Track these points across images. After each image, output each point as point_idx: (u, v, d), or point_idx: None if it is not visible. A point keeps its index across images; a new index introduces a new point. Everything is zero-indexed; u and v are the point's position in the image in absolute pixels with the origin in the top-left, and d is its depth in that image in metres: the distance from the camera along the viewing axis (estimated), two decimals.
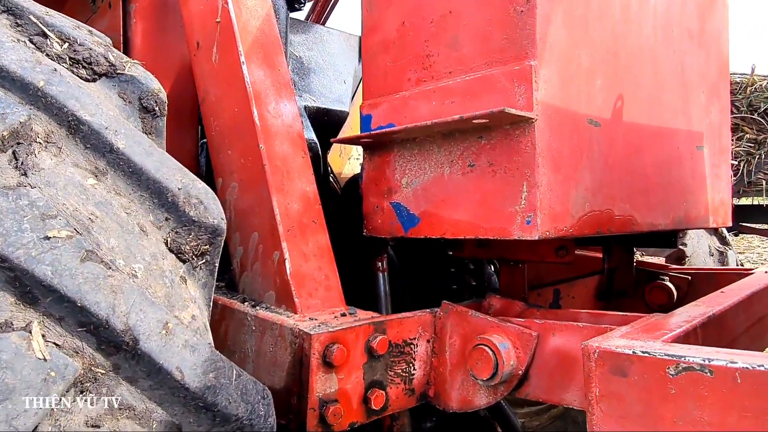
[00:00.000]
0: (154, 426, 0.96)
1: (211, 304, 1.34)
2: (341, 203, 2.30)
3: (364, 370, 1.43)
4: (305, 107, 2.20)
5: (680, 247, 3.16)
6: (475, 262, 2.37)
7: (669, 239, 2.27)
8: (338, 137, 2.36)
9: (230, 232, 1.69)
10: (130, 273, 1.04)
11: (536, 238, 1.32)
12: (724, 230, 3.43)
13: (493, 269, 2.39)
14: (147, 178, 1.17)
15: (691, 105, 2.14)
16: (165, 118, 1.45)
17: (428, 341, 1.58)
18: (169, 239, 1.19)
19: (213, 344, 1.23)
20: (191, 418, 1.02)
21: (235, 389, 1.06)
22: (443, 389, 1.57)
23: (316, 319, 1.41)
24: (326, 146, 2.39)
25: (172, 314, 1.02)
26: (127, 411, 0.93)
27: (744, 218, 9.12)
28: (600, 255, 2.52)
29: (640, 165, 1.77)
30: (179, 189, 1.20)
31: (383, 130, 1.52)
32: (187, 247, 1.22)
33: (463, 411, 1.54)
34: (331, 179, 2.47)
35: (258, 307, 1.51)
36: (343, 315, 1.47)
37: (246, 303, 1.54)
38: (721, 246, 3.39)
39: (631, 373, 1.05)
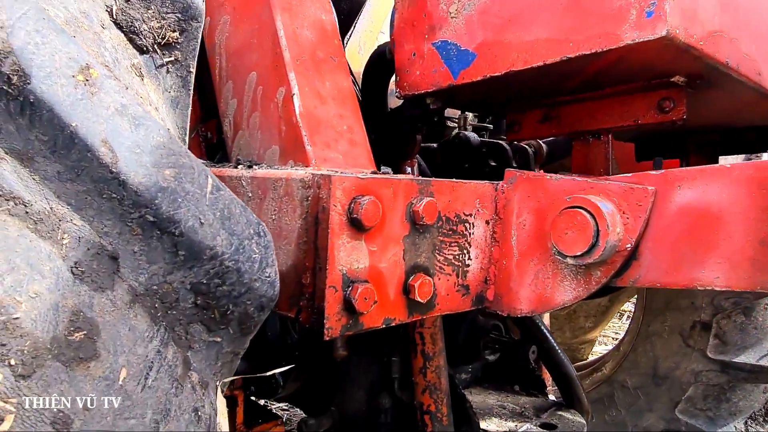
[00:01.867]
0: (67, 243, 0.55)
1: (187, 139, 0.93)
2: (362, 100, 1.88)
3: (405, 247, 1.01)
4: None
5: None
6: None
7: (763, 139, 1.83)
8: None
9: (220, 84, 1.28)
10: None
11: (662, 34, 0.89)
12: None
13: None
14: None
15: None
16: None
17: (487, 223, 1.16)
18: (114, 8, 0.78)
19: None
20: (135, 243, 0.60)
21: (211, 207, 0.65)
22: (507, 288, 1.16)
23: (337, 171, 1.00)
24: (342, 33, 1.97)
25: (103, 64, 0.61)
26: (12, 202, 0.52)
27: None
28: None
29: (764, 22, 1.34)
30: None
31: None
32: (145, 28, 0.80)
33: (538, 313, 1.13)
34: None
35: (255, 168, 1.10)
36: (374, 174, 1.06)
37: (240, 166, 1.13)
38: None
39: None
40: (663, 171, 0.96)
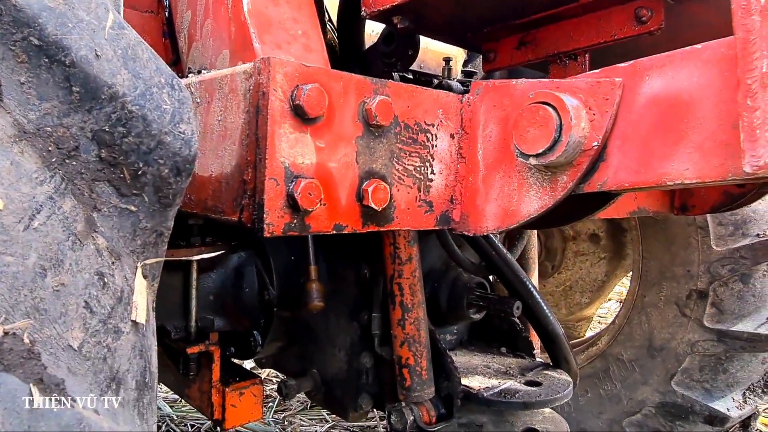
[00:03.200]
0: None
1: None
2: (338, 42, 1.82)
3: (359, 149, 0.95)
4: None
5: None
6: None
7: None
8: None
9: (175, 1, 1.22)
10: None
11: None
12: None
13: None
14: None
15: None
16: None
17: (452, 137, 1.10)
18: None
19: None
20: (22, 73, 0.55)
21: (111, 42, 0.59)
22: (473, 206, 1.09)
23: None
24: None
25: None
26: None
27: None
28: None
29: None
30: None
31: None
32: None
33: (503, 228, 1.06)
34: (329, 27, 1.98)
35: (204, 72, 1.04)
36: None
37: (190, 75, 1.08)
38: None
39: None
40: (632, 62, 0.90)
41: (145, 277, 0.73)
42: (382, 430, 3.76)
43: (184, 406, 3.98)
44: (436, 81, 2.34)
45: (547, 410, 2.00)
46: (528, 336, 2.15)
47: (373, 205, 0.94)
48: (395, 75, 1.74)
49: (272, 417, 3.99)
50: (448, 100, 1.08)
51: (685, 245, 2.73)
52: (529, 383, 1.89)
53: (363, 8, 1.27)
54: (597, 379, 3.08)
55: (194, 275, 1.89)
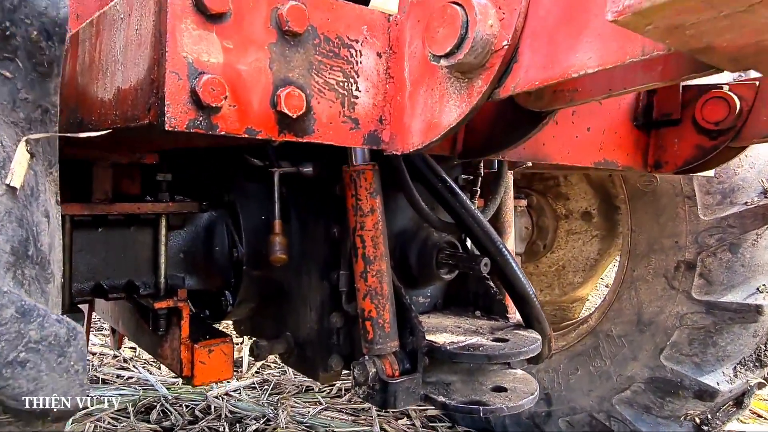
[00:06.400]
0: None
1: None
2: None
3: (272, 55, 0.95)
4: None
5: None
6: None
7: None
8: None
9: None
10: None
11: None
12: None
13: None
14: None
15: None
16: None
17: (379, 56, 1.09)
18: None
19: None
20: None
21: None
22: (401, 125, 1.09)
23: None
24: None
25: None
26: None
27: None
28: None
29: None
30: None
31: None
32: None
33: (429, 143, 1.05)
34: None
35: None
36: None
37: None
38: None
39: None
40: None
41: (32, 154, 0.73)
42: (375, 411, 3.74)
43: (180, 388, 4.01)
44: None
45: (519, 371, 1.97)
46: (503, 299, 2.12)
47: (286, 111, 0.94)
48: None
49: (267, 399, 4.00)
50: (374, 17, 1.07)
51: (673, 216, 2.67)
52: (496, 340, 1.86)
53: None
54: (587, 357, 3.03)
55: (163, 232, 1.90)
